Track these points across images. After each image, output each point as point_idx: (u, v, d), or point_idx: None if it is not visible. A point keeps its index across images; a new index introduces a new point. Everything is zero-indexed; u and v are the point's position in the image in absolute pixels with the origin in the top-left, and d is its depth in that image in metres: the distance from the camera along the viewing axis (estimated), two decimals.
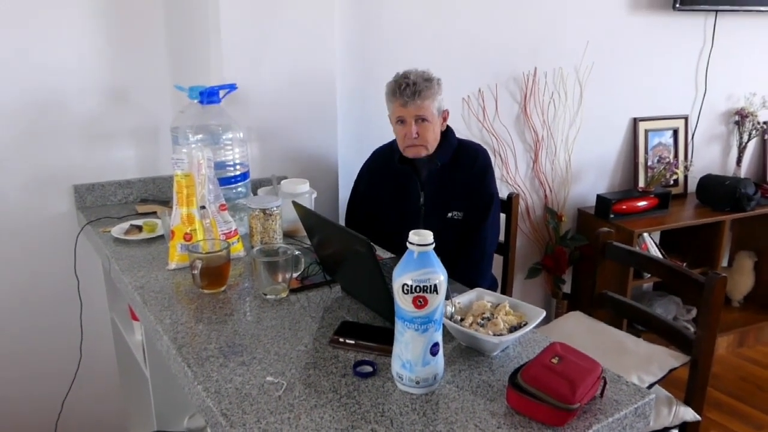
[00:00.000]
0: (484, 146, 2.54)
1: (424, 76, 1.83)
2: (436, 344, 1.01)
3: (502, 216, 2.12)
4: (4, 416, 2.06)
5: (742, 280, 3.25)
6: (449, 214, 1.93)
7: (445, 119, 1.92)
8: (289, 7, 1.97)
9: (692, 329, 2.58)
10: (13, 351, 2.02)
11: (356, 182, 2.09)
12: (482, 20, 2.41)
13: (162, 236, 1.71)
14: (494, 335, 1.13)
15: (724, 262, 3.34)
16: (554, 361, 1.00)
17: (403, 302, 0.98)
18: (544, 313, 1.19)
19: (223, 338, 1.20)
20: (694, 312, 3.01)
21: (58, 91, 1.90)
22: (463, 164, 1.94)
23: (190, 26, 2.00)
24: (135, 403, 2.05)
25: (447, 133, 1.95)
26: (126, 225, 1.79)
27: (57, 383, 2.07)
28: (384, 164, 2.01)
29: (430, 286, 0.97)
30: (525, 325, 1.17)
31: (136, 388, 2.00)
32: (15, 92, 1.85)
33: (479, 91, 2.49)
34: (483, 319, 1.18)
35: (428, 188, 1.94)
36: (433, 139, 1.87)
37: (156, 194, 2.08)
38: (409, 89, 1.79)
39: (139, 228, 1.77)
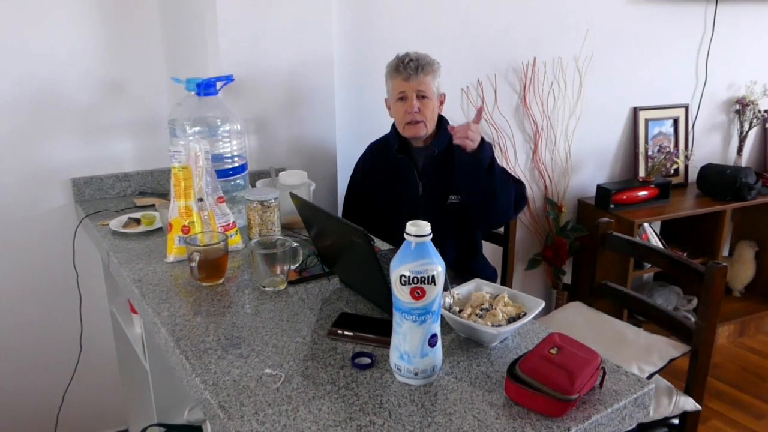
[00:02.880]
0: (484, 137, 2.55)
1: (425, 56, 1.88)
2: (434, 335, 1.01)
3: None
4: (6, 409, 2.06)
5: (743, 270, 3.24)
6: (448, 201, 1.93)
7: (442, 103, 1.94)
8: None
9: (693, 319, 2.58)
10: (14, 344, 2.02)
11: (352, 177, 2.08)
12: (481, 10, 2.40)
13: (160, 229, 1.71)
14: (493, 326, 1.13)
15: (725, 252, 3.34)
16: (553, 351, 1.00)
17: (400, 293, 0.98)
18: (542, 304, 1.19)
19: (221, 330, 1.20)
20: (695, 302, 3.01)
21: (55, 84, 1.90)
22: (457, 151, 1.92)
23: (187, 18, 1.99)
24: (135, 396, 2.06)
25: (441, 122, 1.95)
26: (124, 218, 1.78)
27: (58, 376, 2.08)
28: (380, 158, 2.00)
29: (428, 277, 0.96)
30: (524, 315, 1.16)
31: (136, 381, 2.00)
32: (11, 85, 1.84)
33: (478, 81, 2.48)
34: (481, 310, 1.18)
35: (426, 178, 1.94)
36: (432, 117, 1.89)
37: (154, 187, 2.07)
38: (412, 63, 1.84)
39: (138, 221, 1.76)
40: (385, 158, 1.98)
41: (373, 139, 2.06)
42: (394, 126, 1.97)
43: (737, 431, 2.40)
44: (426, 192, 1.95)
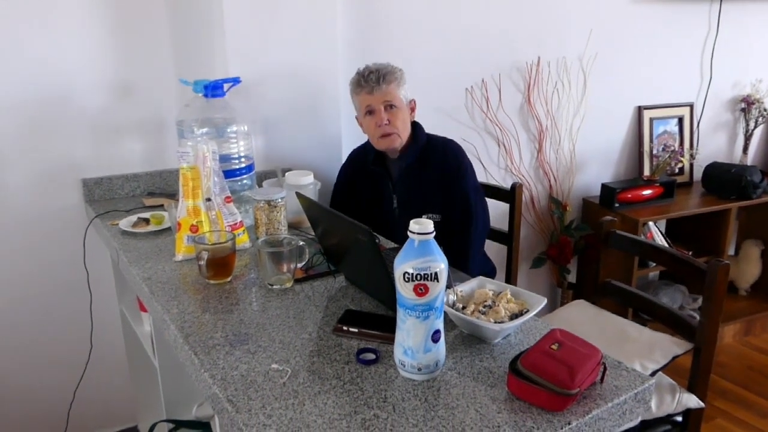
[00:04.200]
0: (489, 137, 2.57)
1: (386, 65, 1.86)
2: (437, 331, 1.03)
3: (506, 206, 2.13)
4: (19, 405, 2.10)
5: (748, 269, 3.24)
6: (425, 216, 1.89)
7: (413, 110, 1.92)
8: (292, 0, 1.98)
9: (698, 318, 2.59)
10: (26, 342, 2.06)
11: (335, 186, 2.08)
12: (485, 10, 2.41)
13: (169, 228, 1.74)
14: (495, 323, 1.15)
15: (731, 251, 3.34)
16: (554, 347, 1.02)
17: (404, 290, 1.00)
18: (545, 301, 1.20)
19: (229, 327, 1.22)
20: (700, 300, 3.00)
21: (65, 86, 1.93)
22: (432, 162, 1.90)
23: (194, 20, 2.01)
24: (144, 393, 2.09)
25: (416, 130, 1.92)
26: (133, 218, 1.81)
27: (69, 373, 2.11)
28: (359, 167, 1.99)
29: (431, 274, 0.98)
30: (526, 312, 1.18)
31: (146, 378, 2.03)
32: (23, 88, 1.87)
33: (482, 81, 2.49)
34: (484, 306, 1.20)
35: (400, 190, 1.92)
36: (404, 127, 1.86)
37: (163, 187, 2.10)
38: (373, 75, 1.82)
39: (147, 220, 1.79)
40: (362, 167, 1.97)
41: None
42: None
43: (742, 430, 2.41)
44: (400, 205, 1.93)
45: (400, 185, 1.93)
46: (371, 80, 1.81)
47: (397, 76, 1.84)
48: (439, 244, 1.85)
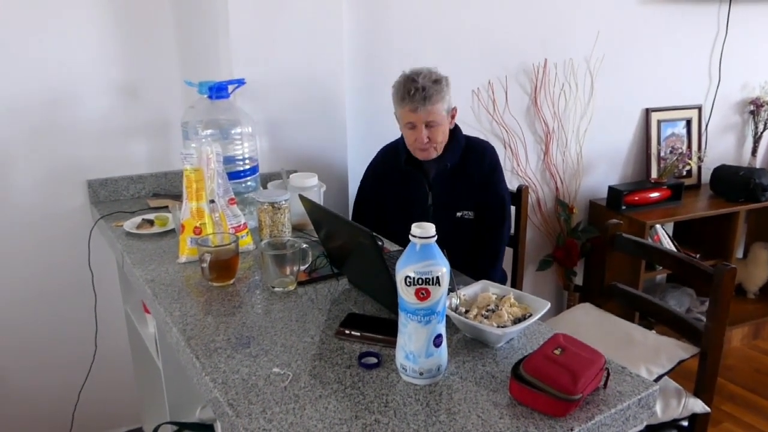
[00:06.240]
0: (495, 139, 2.56)
1: (433, 78, 1.79)
2: (439, 336, 1.02)
3: (513, 208, 2.12)
4: (24, 406, 2.10)
5: (757, 272, 3.22)
6: (458, 214, 1.93)
7: (453, 117, 1.90)
8: (297, 1, 1.98)
9: (704, 321, 2.56)
10: (31, 343, 2.06)
11: (362, 182, 2.08)
12: (492, 12, 2.40)
13: (173, 230, 1.74)
14: (498, 327, 1.14)
15: (739, 254, 3.31)
16: (557, 352, 1.01)
17: (405, 294, 0.99)
18: (548, 305, 1.20)
19: (231, 330, 1.22)
20: (707, 304, 2.99)
21: (71, 88, 1.93)
22: (471, 164, 1.92)
23: (200, 22, 2.02)
24: (149, 394, 2.09)
25: (455, 132, 1.93)
26: (138, 219, 1.81)
27: (73, 374, 2.11)
28: (390, 165, 2.00)
29: (432, 278, 0.98)
30: (529, 316, 1.17)
31: (150, 380, 2.03)
32: (29, 90, 1.88)
33: (489, 83, 2.48)
34: (487, 311, 1.19)
35: (436, 188, 1.94)
36: (442, 140, 1.87)
37: (168, 188, 2.10)
38: (418, 94, 1.76)
39: (151, 222, 1.79)
40: (395, 164, 1.98)
41: (383, 141, 2.06)
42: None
43: None
44: (435, 203, 1.94)
45: (436, 184, 1.94)
46: (416, 99, 1.76)
47: (442, 92, 1.78)
48: (472, 242, 1.89)
